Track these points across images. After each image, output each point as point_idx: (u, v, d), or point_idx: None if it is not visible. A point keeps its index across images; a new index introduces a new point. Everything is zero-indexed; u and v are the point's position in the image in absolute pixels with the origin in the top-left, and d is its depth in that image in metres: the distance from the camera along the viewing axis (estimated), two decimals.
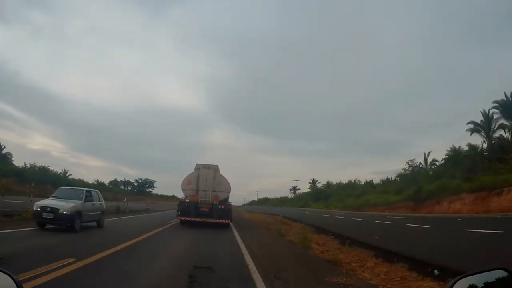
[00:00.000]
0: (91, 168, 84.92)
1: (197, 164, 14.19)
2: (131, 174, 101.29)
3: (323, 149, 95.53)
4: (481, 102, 63.73)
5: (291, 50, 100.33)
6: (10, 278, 1.15)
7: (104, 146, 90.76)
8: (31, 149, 70.77)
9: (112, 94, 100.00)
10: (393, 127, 77.24)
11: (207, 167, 13.98)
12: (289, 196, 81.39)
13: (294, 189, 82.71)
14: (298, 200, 64.39)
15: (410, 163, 35.38)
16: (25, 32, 77.97)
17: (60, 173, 48.92)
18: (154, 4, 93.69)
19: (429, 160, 34.28)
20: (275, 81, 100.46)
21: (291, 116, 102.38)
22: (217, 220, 12.55)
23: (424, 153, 34.99)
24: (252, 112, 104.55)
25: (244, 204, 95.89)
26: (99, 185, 52.47)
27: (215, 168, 14.05)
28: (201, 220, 12.47)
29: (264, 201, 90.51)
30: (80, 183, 41.25)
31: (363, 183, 49.60)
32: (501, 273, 1.02)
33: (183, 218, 12.75)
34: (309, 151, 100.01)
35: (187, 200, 14.12)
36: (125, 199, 32.43)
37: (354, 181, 53.57)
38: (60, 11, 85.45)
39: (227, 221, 12.78)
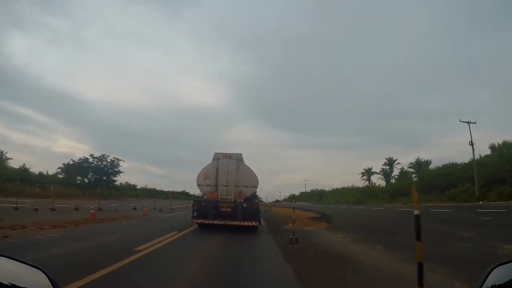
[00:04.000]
0: None
1: (215, 154, 13.75)
2: (156, 173, 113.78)
3: (345, 142, 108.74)
4: (506, 89, 71.61)
5: (311, 44, 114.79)
6: (44, 275, 1.47)
7: (127, 146, 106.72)
8: (56, 152, 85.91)
9: (133, 94, 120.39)
10: (413, 117, 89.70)
11: (228, 156, 13.56)
12: (358, 185, 69.74)
13: (368, 173, 72.48)
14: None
15: None
16: (44, 37, 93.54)
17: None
18: (171, 4, 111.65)
19: None
20: (296, 76, 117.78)
21: (314, 110, 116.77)
22: (242, 223, 12.23)
23: None
24: (274, 107, 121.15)
25: (277, 201, 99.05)
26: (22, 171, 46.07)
27: (238, 158, 13.60)
28: (222, 222, 12.26)
29: (313, 196, 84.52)
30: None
31: None
32: None
33: (200, 221, 12.57)
34: (330, 144, 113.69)
35: (204, 198, 13.94)
36: None
37: None
38: (78, 16, 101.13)
39: (254, 223, 12.38)
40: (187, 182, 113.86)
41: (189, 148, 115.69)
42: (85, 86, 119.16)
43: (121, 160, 62.40)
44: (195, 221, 12.77)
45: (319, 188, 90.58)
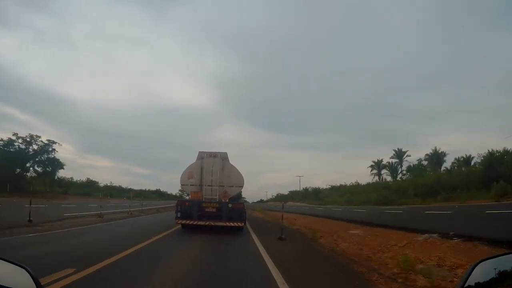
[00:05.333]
0: (101, 169, 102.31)
1: (200, 152, 13.82)
2: (141, 173, 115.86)
3: (330, 142, 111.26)
4: (489, 88, 77.39)
5: (296, 44, 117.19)
6: (26, 272, 1.47)
7: (114, 147, 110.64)
8: None
9: (120, 95, 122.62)
10: (400, 117, 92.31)
11: (213, 155, 13.60)
12: (365, 181, 58.85)
13: (379, 165, 60.65)
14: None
15: None
16: (30, 36, 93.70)
17: None
18: (158, 4, 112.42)
19: None
20: (281, 76, 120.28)
21: (299, 110, 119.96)
22: (227, 223, 12.31)
23: None
24: (261, 107, 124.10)
25: (261, 201, 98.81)
26: None
27: (223, 157, 13.68)
28: (206, 223, 12.30)
29: (306, 195, 74.72)
30: None
31: None
32: None
33: (184, 222, 12.60)
34: (316, 144, 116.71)
35: (187, 198, 14.00)
36: None
37: None
38: (64, 15, 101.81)
39: (240, 224, 12.47)
40: (174, 183, 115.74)
41: (176, 149, 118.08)
42: (71, 86, 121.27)
43: (56, 143, 47.92)
44: (179, 222, 12.79)
45: (305, 187, 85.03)
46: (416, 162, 51.50)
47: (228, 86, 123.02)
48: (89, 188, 57.96)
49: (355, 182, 61.53)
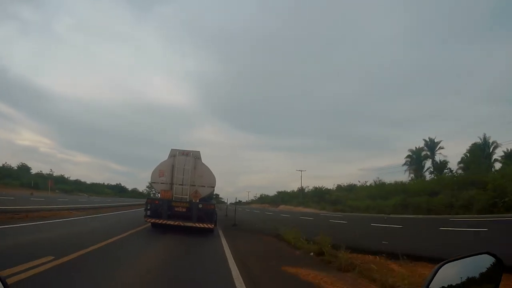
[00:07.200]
0: (79, 164, 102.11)
1: (172, 150, 13.76)
2: (119, 170, 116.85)
3: (312, 144, 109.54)
4: (467, 96, 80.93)
5: (279, 45, 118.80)
6: None
7: (93, 143, 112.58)
8: (19, 145, 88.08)
9: (101, 90, 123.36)
10: (379, 122, 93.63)
11: (185, 153, 13.54)
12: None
13: (418, 156, 45.60)
14: None
15: None
16: (13, 28, 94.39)
17: None
18: (143, 1, 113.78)
19: None
20: (264, 77, 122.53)
21: (278, 112, 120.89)
22: (197, 225, 12.27)
23: None
24: (241, 108, 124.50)
25: (239, 202, 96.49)
26: None
27: (195, 155, 13.62)
28: (176, 223, 12.24)
29: (302, 196, 58.73)
30: None
31: None
32: (486, 258, 1.34)
33: (154, 221, 12.49)
34: (294, 146, 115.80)
35: (158, 197, 13.93)
36: None
37: None
38: (48, 7, 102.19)
39: (210, 225, 12.45)
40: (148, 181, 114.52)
41: (155, 147, 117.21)
42: (53, 80, 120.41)
43: None
44: (148, 220, 12.67)
45: (299, 187, 67.34)
46: (443, 158, 42.73)
47: (209, 86, 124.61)
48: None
49: (366, 182, 49.61)
